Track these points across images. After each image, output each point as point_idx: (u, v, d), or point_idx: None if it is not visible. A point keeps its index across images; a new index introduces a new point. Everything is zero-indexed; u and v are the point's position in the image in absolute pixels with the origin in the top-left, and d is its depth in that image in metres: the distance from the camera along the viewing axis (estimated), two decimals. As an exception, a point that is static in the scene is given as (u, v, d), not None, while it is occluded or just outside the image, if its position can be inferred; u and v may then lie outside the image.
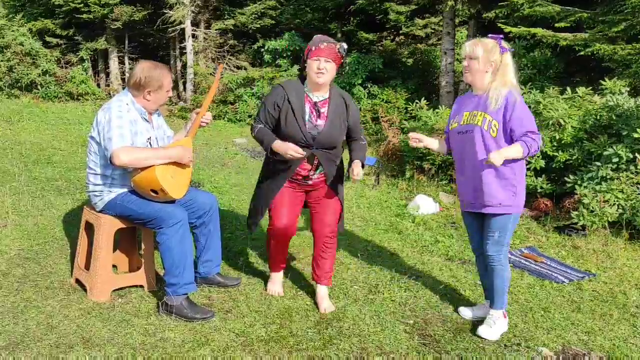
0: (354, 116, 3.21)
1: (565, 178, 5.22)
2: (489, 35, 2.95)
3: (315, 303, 3.30)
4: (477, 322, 3.16)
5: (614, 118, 5.25)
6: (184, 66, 13.26)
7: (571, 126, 5.44)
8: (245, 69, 12.75)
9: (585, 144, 5.24)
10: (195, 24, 12.98)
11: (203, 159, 7.57)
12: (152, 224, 3.07)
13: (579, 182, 5.05)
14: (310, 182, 3.19)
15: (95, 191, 3.14)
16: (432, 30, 13.02)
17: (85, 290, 3.24)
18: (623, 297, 3.62)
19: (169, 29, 12.63)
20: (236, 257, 4.00)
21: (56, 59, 13.05)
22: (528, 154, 2.83)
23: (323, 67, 2.98)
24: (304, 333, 2.97)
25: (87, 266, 3.31)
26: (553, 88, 6.24)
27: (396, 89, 10.84)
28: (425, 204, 5.46)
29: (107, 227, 3.17)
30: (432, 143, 3.23)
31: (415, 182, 6.45)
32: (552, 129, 5.51)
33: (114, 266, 3.49)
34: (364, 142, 3.31)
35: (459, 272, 3.94)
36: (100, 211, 3.18)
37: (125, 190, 3.12)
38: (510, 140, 2.87)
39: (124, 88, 3.18)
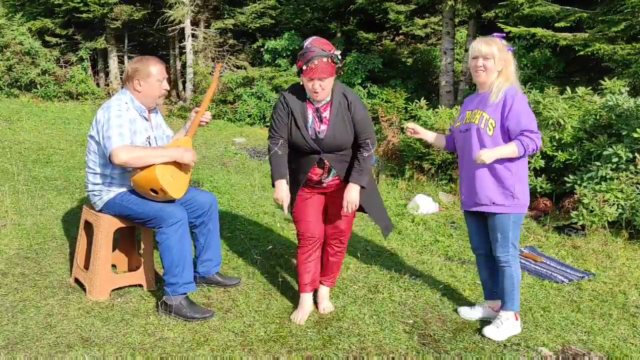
0: (358, 113, 3.01)
1: (565, 178, 5.22)
2: (494, 34, 2.96)
3: (315, 303, 3.29)
4: (477, 322, 3.16)
5: (614, 118, 5.25)
6: (184, 66, 13.27)
7: (571, 126, 5.44)
8: (245, 68, 12.76)
9: (585, 144, 5.24)
10: (194, 23, 12.98)
11: (202, 158, 7.57)
12: (151, 224, 3.07)
13: (578, 182, 5.05)
14: (324, 185, 3.17)
15: (95, 190, 3.13)
16: (432, 30, 13.02)
17: (84, 289, 3.24)
18: (623, 297, 3.61)
19: (169, 29, 12.64)
20: (236, 256, 4.00)
21: (55, 58, 13.06)
22: (525, 153, 2.82)
23: (318, 87, 2.88)
24: (304, 333, 2.97)
25: (87, 265, 3.30)
26: (553, 88, 6.23)
27: (396, 89, 10.85)
28: (424, 204, 5.46)
29: (107, 226, 3.17)
30: (427, 135, 3.25)
31: (414, 181, 6.45)
32: (552, 129, 5.51)
33: (113, 266, 3.49)
34: (368, 154, 3.04)
35: (459, 271, 3.94)
36: (100, 210, 3.18)
37: (125, 189, 3.12)
38: (509, 139, 2.86)
39: (122, 87, 3.19)
